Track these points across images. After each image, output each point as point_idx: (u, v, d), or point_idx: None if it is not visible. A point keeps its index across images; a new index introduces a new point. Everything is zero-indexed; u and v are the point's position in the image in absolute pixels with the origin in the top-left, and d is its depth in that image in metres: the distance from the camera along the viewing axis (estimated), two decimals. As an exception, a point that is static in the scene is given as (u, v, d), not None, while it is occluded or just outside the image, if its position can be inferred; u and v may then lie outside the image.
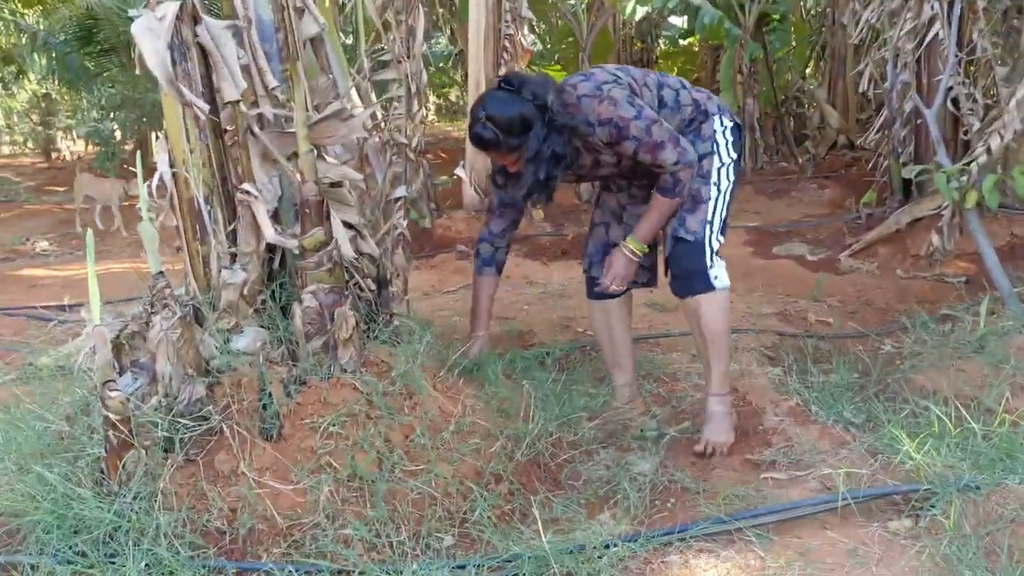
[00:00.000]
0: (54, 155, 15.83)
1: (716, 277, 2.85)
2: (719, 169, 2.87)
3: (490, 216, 3.09)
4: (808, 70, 11.78)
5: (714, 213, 2.86)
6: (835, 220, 6.73)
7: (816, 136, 9.81)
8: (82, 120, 13.25)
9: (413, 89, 2.84)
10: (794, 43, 10.71)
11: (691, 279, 2.86)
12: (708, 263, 2.84)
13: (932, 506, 2.29)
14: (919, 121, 5.58)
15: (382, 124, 2.77)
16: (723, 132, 2.88)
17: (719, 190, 2.87)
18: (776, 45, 10.39)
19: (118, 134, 11.95)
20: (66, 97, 15.00)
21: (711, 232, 2.85)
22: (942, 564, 2.10)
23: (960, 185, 4.00)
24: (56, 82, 13.08)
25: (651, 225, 2.85)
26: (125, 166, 11.38)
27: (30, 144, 16.89)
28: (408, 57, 2.81)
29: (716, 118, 2.88)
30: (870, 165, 6.87)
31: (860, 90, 6.17)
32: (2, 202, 10.38)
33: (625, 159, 2.80)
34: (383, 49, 2.92)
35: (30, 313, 4.84)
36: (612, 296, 3.10)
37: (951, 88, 4.80)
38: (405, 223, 2.91)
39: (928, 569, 2.10)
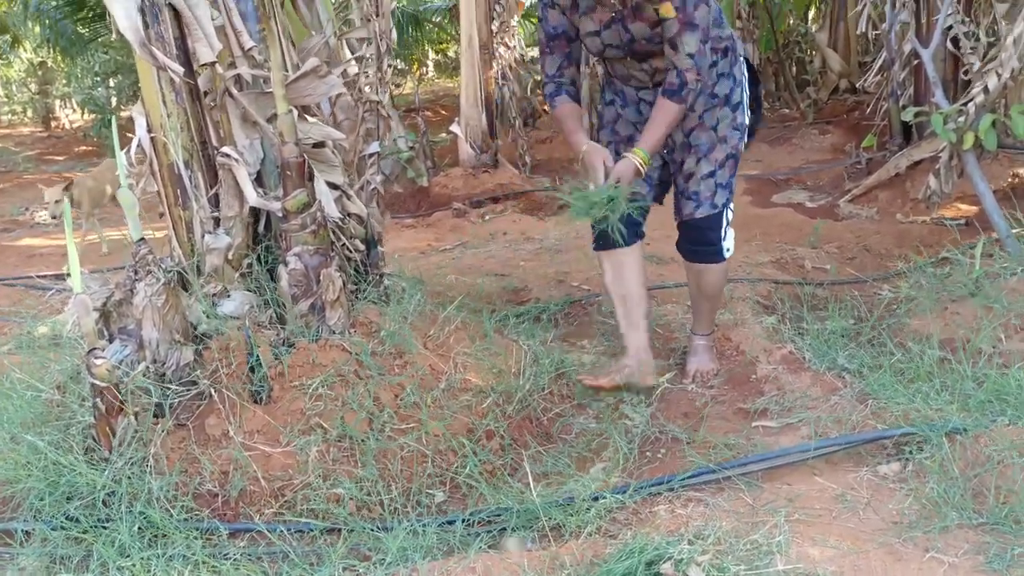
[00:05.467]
0: (53, 124, 15.76)
1: (728, 250, 2.93)
2: (744, 129, 2.87)
3: (542, 59, 2.88)
4: (810, 13, 11.55)
5: (733, 177, 2.88)
6: (836, 166, 6.66)
7: (818, 81, 9.65)
8: (79, 87, 13.16)
9: (383, 48, 2.80)
10: (795, -15, 10.48)
11: (704, 251, 2.92)
12: (723, 235, 2.90)
13: (921, 449, 2.29)
14: (918, 62, 5.48)
15: (354, 82, 2.73)
16: (746, 84, 2.86)
17: (739, 153, 2.88)
18: (776, -12, 10.17)
19: (114, 100, 11.86)
20: (62, 65, 14.87)
21: (728, 201, 2.89)
22: (929, 506, 2.10)
23: (957, 126, 3.93)
24: (51, 50, 12.94)
25: (658, 134, 2.67)
26: (127, 134, 11.33)
27: (29, 113, 16.79)
28: (377, 15, 2.77)
29: (743, 63, 2.86)
30: (870, 108, 6.77)
31: (859, 31, 6.05)
32: (1, 172, 10.36)
33: (651, 32, 2.63)
34: (349, 9, 2.89)
35: (28, 283, 4.85)
36: (621, 245, 2.82)
37: (950, 27, 4.69)
38: (379, 179, 2.89)
39: (915, 511, 2.11)
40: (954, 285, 3.42)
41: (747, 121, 2.89)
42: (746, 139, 2.91)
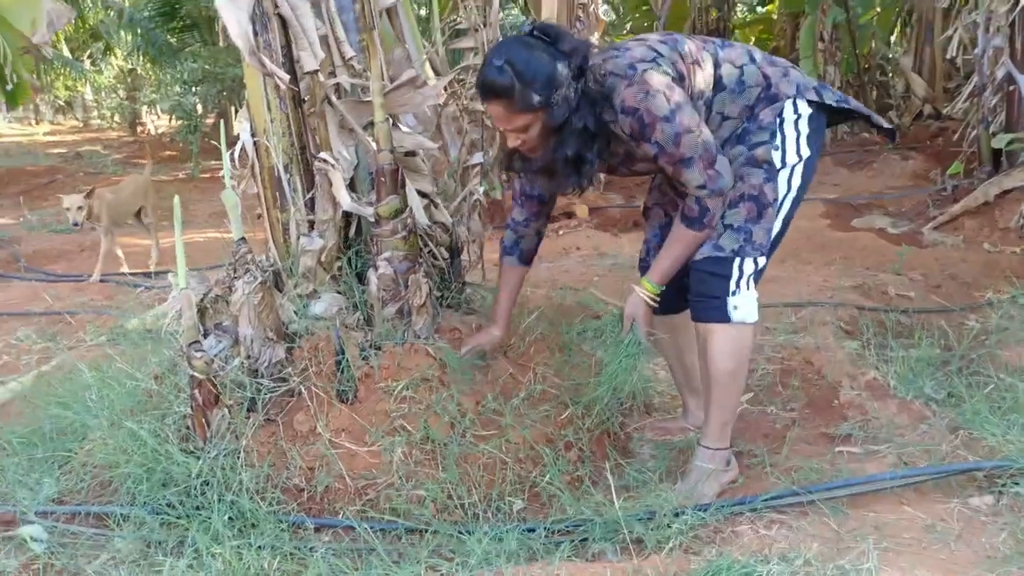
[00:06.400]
0: (139, 129, 16.39)
1: (735, 307, 2.33)
2: (791, 168, 2.34)
3: (513, 204, 2.64)
4: (893, 37, 11.33)
5: (753, 224, 2.33)
6: (919, 192, 6.51)
7: (900, 105, 9.47)
8: (165, 95, 13.67)
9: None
10: (879, 8, 10.30)
11: (703, 304, 2.38)
12: (730, 288, 2.33)
13: (1016, 483, 2.22)
14: (1011, 88, 5.34)
15: (458, 93, 2.78)
16: (795, 122, 2.33)
17: (777, 199, 2.34)
18: (859, 10, 10.02)
19: (200, 108, 12.27)
20: (151, 72, 15.48)
21: (744, 250, 2.32)
22: (1024, 542, 2.04)
23: (1055, 154, 3.82)
24: (141, 58, 13.51)
25: (671, 262, 2.37)
26: (206, 140, 11.74)
27: (117, 118, 17.51)
28: (484, 25, 2.82)
29: (789, 103, 2.33)
30: (957, 135, 6.61)
31: (948, 56, 5.93)
32: (92, 174, 10.79)
33: (654, 165, 2.34)
34: (456, 19, 2.94)
35: (119, 279, 5.05)
36: (676, 310, 2.61)
37: (1048, 53, 4.58)
38: (481, 190, 2.93)
39: (1010, 546, 2.04)
40: (1048, 318, 3.32)
41: (779, 160, 2.33)
42: (789, 186, 2.36)
